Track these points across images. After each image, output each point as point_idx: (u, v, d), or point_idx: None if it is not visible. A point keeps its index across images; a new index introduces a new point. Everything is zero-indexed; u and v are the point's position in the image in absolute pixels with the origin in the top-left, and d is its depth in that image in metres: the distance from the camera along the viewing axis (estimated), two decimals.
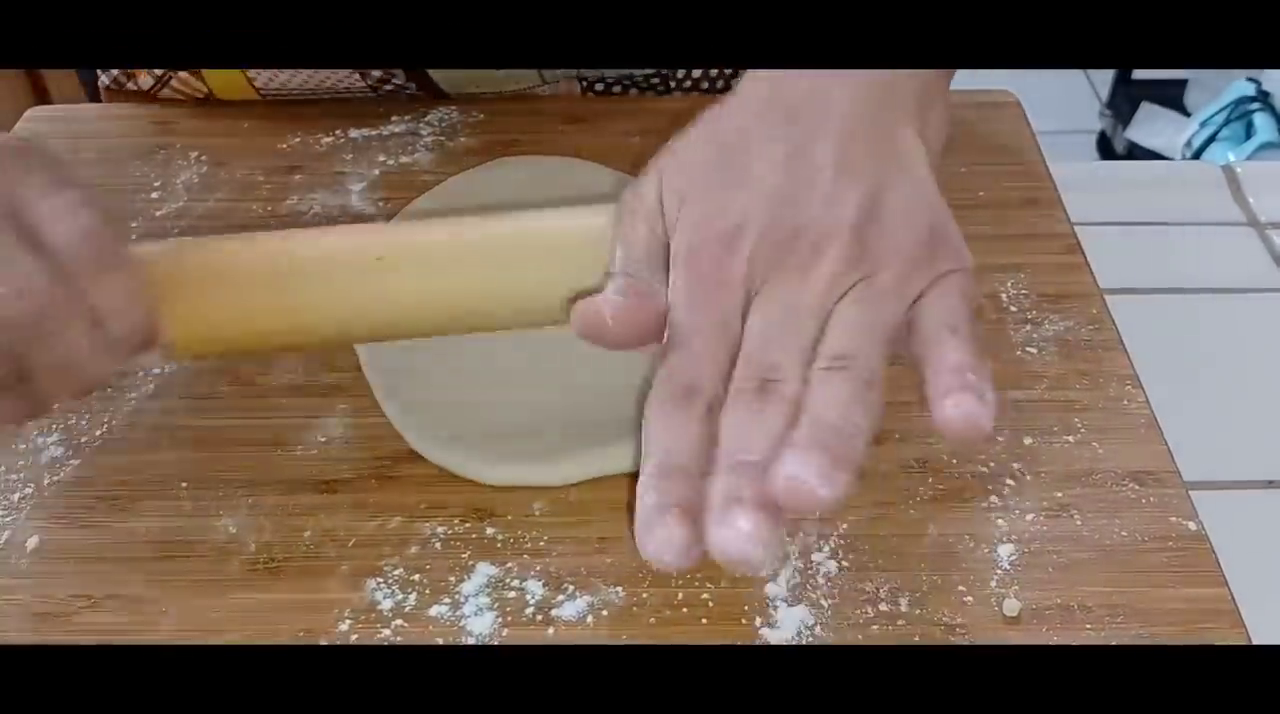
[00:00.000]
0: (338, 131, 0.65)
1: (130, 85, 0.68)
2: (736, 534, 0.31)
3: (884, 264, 0.35)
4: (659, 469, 0.33)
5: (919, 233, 0.35)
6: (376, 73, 0.66)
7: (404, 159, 0.63)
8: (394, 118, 0.66)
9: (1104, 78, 2.20)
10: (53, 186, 0.38)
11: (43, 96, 1.29)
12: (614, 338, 0.36)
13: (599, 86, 0.70)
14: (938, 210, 0.37)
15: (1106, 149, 2.14)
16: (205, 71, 0.66)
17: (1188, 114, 2.05)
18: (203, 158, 0.63)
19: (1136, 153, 2.06)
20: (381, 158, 0.63)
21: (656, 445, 0.33)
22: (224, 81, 0.67)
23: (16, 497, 0.46)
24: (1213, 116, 2.00)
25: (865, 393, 0.33)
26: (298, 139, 0.64)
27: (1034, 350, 0.51)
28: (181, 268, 0.41)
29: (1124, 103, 2.11)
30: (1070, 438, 0.48)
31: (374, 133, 0.65)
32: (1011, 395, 0.49)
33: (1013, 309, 0.53)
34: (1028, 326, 0.52)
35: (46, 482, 0.47)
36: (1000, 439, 0.47)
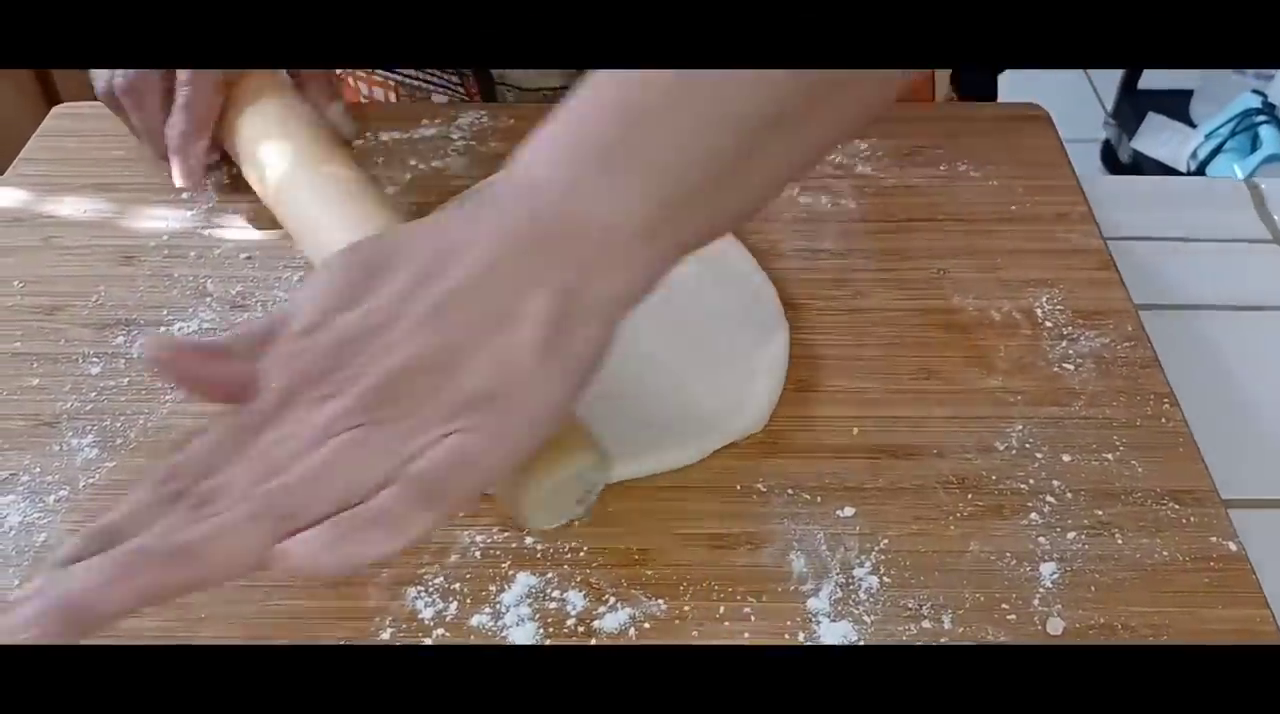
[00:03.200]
0: (368, 134, 0.65)
1: None
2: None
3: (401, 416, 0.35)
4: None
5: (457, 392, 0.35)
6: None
7: (435, 163, 0.63)
8: (424, 121, 0.65)
9: (1109, 87, 2.20)
10: None
11: (53, 97, 1.28)
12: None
13: None
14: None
15: (1111, 159, 2.14)
16: None
17: (1194, 125, 2.06)
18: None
19: (1141, 163, 2.06)
20: (413, 161, 0.63)
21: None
22: None
23: (52, 499, 0.46)
24: (1218, 128, 2.00)
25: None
26: None
27: (1070, 366, 0.51)
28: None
29: (1129, 113, 2.11)
30: (1109, 456, 0.48)
31: (405, 136, 0.64)
32: (1049, 411, 0.49)
33: (1048, 325, 0.53)
34: (1064, 343, 0.52)
35: (82, 484, 0.47)
36: (1039, 456, 0.47)
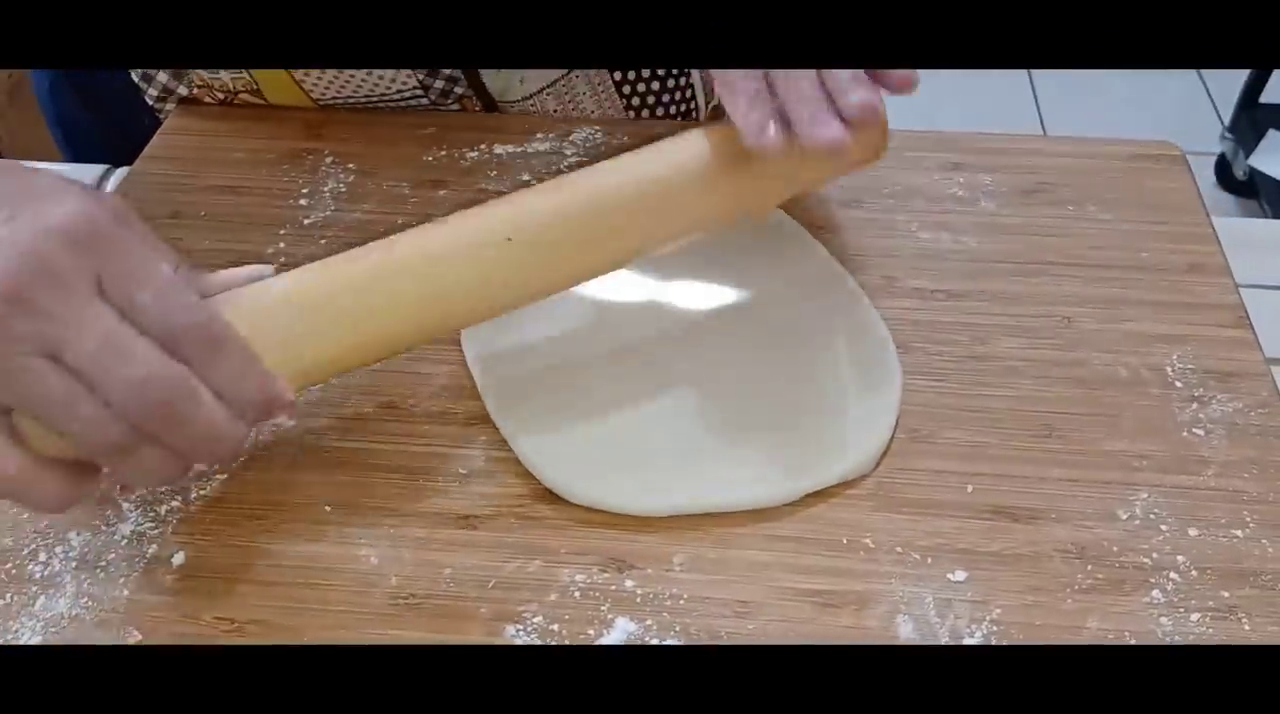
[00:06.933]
0: (482, 146, 0.64)
1: (180, 89, 0.67)
2: (834, 129, 0.45)
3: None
4: (753, 104, 0.46)
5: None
6: (421, 73, 0.65)
7: (548, 178, 0.62)
8: (539, 134, 0.65)
9: (1227, 97, 2.12)
10: (148, 261, 0.39)
11: None
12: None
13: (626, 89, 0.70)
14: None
15: (1226, 175, 2.06)
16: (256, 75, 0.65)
17: None
18: (350, 166, 0.63)
19: (1258, 181, 1.99)
20: (526, 176, 0.62)
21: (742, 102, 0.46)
22: (274, 85, 0.66)
23: (164, 510, 0.47)
24: None
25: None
26: (443, 152, 0.64)
27: (1200, 431, 0.49)
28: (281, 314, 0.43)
29: (1247, 127, 2.03)
30: (1238, 532, 0.45)
31: (518, 149, 0.64)
32: (1176, 480, 0.47)
33: (1178, 385, 0.51)
34: (1194, 405, 0.50)
35: (194, 496, 0.47)
36: (1164, 528, 0.45)
